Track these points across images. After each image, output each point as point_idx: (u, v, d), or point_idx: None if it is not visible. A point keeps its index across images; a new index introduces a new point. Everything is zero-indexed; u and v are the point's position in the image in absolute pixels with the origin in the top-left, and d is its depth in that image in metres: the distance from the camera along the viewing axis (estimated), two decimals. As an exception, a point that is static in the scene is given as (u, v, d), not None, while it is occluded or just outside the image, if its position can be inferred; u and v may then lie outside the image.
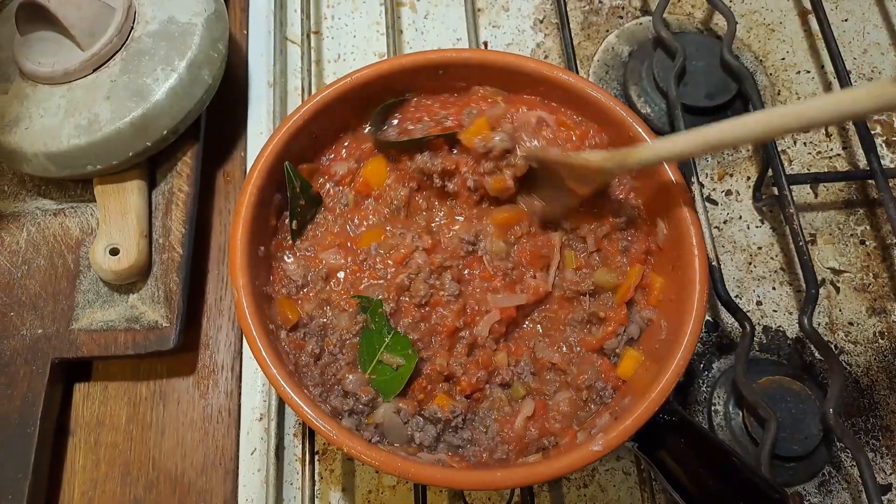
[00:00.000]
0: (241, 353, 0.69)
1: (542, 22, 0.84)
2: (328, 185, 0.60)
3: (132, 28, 0.68)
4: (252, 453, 0.65)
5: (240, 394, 0.67)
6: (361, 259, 0.57)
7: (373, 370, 0.53)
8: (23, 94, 0.67)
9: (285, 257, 0.57)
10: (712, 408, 0.66)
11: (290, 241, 0.58)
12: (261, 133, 0.78)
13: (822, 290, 0.71)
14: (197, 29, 0.68)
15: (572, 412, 0.52)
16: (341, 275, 0.56)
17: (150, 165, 0.71)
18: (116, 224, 0.66)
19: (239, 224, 0.51)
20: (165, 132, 0.67)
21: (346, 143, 0.60)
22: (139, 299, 0.66)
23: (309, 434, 0.61)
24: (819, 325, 0.70)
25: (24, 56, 0.67)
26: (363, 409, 0.51)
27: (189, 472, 0.64)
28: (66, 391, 0.67)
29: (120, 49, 0.67)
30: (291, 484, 0.64)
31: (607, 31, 0.83)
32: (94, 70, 0.66)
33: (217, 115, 0.76)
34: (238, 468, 0.64)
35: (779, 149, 0.71)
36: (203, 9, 0.69)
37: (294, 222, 0.57)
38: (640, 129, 0.55)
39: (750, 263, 0.73)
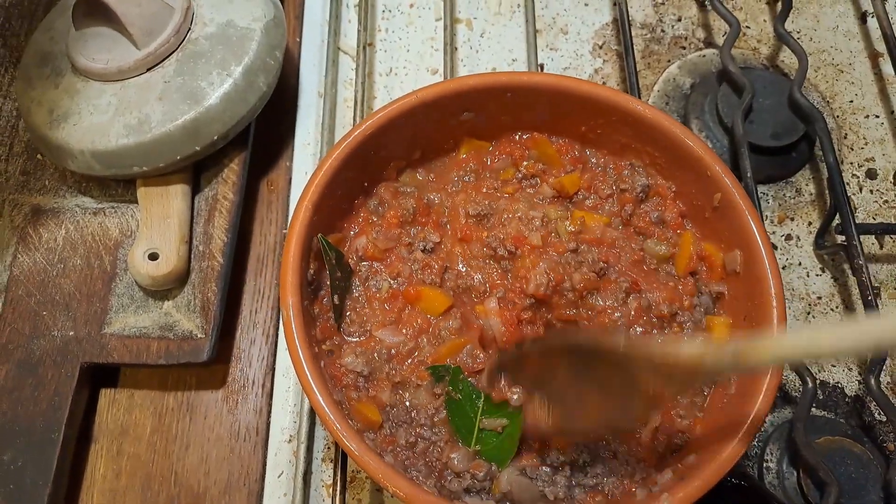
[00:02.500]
0: (273, 369, 0.67)
1: (601, 47, 0.82)
2: (354, 259, 0.56)
3: (189, 29, 0.66)
4: (279, 476, 0.62)
5: (269, 412, 0.65)
6: (419, 328, 0.53)
7: (476, 440, 0.48)
8: (74, 89, 0.65)
9: (341, 353, 0.52)
10: (764, 465, 0.62)
11: (335, 324, 0.53)
12: (307, 143, 0.76)
13: (885, 348, 0.67)
14: (255, 34, 0.66)
15: (691, 402, 0.49)
16: (403, 350, 0.52)
17: (195, 170, 0.69)
18: (158, 228, 0.65)
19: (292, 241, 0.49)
20: (216, 138, 0.65)
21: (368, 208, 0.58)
22: (174, 307, 0.64)
23: (342, 461, 0.58)
24: (882, 384, 0.66)
25: (79, 51, 0.65)
26: (483, 486, 0.47)
27: (212, 491, 0.62)
28: (92, 396, 0.65)
29: (176, 50, 0.65)
30: (317, 512, 0.61)
31: (669, 61, 0.81)
32: (148, 69, 0.65)
33: (265, 123, 0.75)
34: (263, 490, 0.62)
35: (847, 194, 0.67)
36: (263, 14, 0.67)
37: (335, 297, 0.53)
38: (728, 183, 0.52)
39: (808, 313, 0.69)
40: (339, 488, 0.57)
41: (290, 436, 0.63)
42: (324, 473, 0.62)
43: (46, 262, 0.66)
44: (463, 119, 0.58)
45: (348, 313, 0.54)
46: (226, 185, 0.68)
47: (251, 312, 0.69)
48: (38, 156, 0.72)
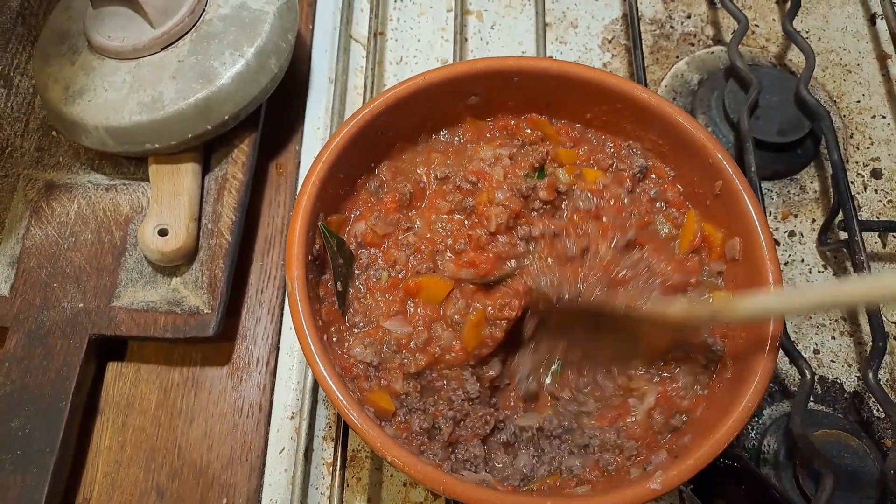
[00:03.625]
0: (277, 347, 0.68)
1: (610, 42, 0.83)
2: (354, 245, 0.56)
3: (204, 10, 0.67)
4: (280, 452, 0.63)
5: (272, 390, 0.66)
6: (428, 317, 0.53)
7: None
8: (90, 66, 0.67)
9: (347, 344, 0.52)
10: (761, 456, 0.62)
11: (339, 310, 0.53)
12: (317, 128, 0.77)
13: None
14: (268, 17, 0.67)
15: (694, 379, 0.50)
16: (418, 341, 0.51)
17: (205, 150, 0.70)
18: (168, 205, 0.66)
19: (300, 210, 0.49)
20: (227, 117, 0.66)
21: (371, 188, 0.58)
22: (182, 283, 0.65)
23: (343, 439, 0.59)
24: (880, 380, 0.67)
25: (95, 29, 0.67)
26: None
27: (214, 465, 0.63)
28: (99, 369, 0.66)
29: (190, 30, 0.66)
30: (317, 489, 0.62)
31: (677, 56, 0.82)
32: (163, 49, 0.66)
33: (275, 107, 0.75)
34: (265, 466, 0.63)
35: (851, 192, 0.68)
36: (276, -3, 0.68)
37: (338, 283, 0.53)
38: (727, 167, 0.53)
39: (810, 309, 0.70)
40: (338, 464, 0.57)
41: (293, 413, 0.64)
42: (324, 451, 0.63)
43: (58, 236, 0.67)
44: (469, 103, 0.59)
45: (352, 303, 0.54)
46: (235, 166, 0.69)
47: (257, 292, 0.70)
48: (53, 133, 0.73)
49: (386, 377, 0.51)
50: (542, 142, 0.60)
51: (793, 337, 0.68)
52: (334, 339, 0.52)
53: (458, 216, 0.55)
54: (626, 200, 0.56)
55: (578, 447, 0.49)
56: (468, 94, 0.58)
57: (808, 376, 0.59)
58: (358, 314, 0.53)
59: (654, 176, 0.58)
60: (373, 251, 0.55)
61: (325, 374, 0.45)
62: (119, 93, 0.65)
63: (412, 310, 0.52)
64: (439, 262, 0.54)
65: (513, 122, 0.60)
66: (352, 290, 0.54)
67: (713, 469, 0.45)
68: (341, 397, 0.44)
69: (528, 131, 0.60)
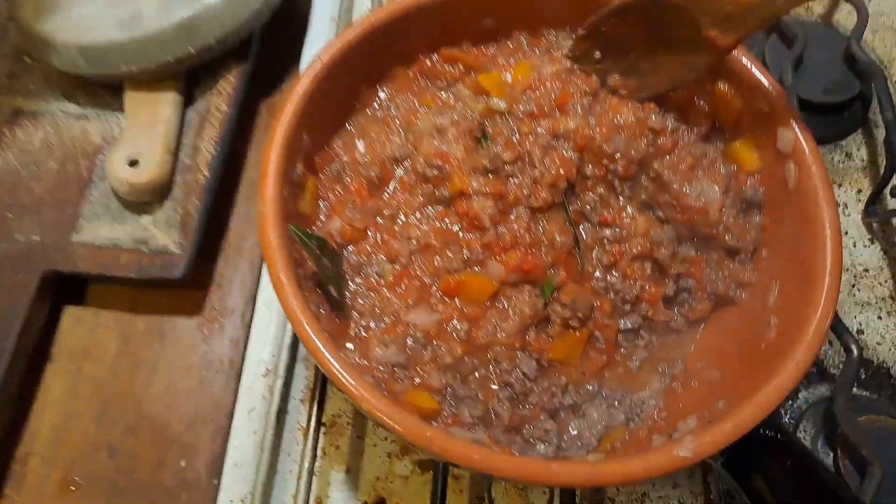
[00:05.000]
0: (255, 300, 0.60)
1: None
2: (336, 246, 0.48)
3: (194, -78, 0.61)
4: (250, 412, 0.56)
5: (246, 344, 0.59)
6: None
7: None
8: (64, -22, 0.60)
9: (363, 349, 0.45)
10: (795, 445, 0.55)
11: (339, 319, 0.45)
12: (315, 69, 0.70)
13: (938, 328, 0.60)
14: (264, -68, 0.61)
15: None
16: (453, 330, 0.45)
17: (189, 80, 0.64)
18: (142, 134, 0.59)
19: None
20: (213, 41, 0.60)
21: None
22: (152, 222, 0.59)
23: (319, 401, 0.52)
24: (933, 367, 0.59)
25: (73, -62, 0.60)
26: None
27: (175, 424, 0.56)
28: (54, 313, 0.59)
29: (177, -59, 0.60)
30: (289, 455, 0.54)
31: (711, 12, 0.74)
32: (146, -40, 0.60)
33: (272, 45, 0.69)
34: (231, 427, 0.55)
35: (905, 159, 0.60)
36: (274, -90, 0.62)
37: (332, 289, 0.45)
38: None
39: (853, 286, 0.62)
40: (311, 428, 0.50)
41: (267, 369, 0.57)
42: (301, 415, 0.56)
43: (19, 164, 0.60)
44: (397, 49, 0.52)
45: (354, 307, 0.46)
46: (220, 97, 0.62)
47: (238, 239, 0.63)
48: (25, 58, 0.67)
49: (418, 374, 0.44)
50: (465, 76, 0.53)
51: (833, 315, 0.61)
52: (348, 347, 0.44)
53: (438, 207, 0.48)
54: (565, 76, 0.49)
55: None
56: (404, 37, 0.51)
57: (856, 353, 0.52)
58: (366, 317, 0.45)
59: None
60: (362, 244, 0.48)
61: (294, 307, 0.38)
62: (94, 7, 0.59)
63: (434, 301, 0.45)
64: (474, 260, 0.47)
65: (429, 64, 0.53)
66: (348, 295, 0.46)
67: (751, 439, 0.38)
68: (311, 332, 0.37)
69: (449, 68, 0.53)
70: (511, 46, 0.53)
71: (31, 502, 0.53)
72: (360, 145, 0.50)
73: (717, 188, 0.46)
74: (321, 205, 0.48)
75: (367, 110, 0.52)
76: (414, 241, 0.47)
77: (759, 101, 0.48)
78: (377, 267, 0.47)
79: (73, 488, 0.53)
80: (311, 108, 0.45)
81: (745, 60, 0.47)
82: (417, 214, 0.48)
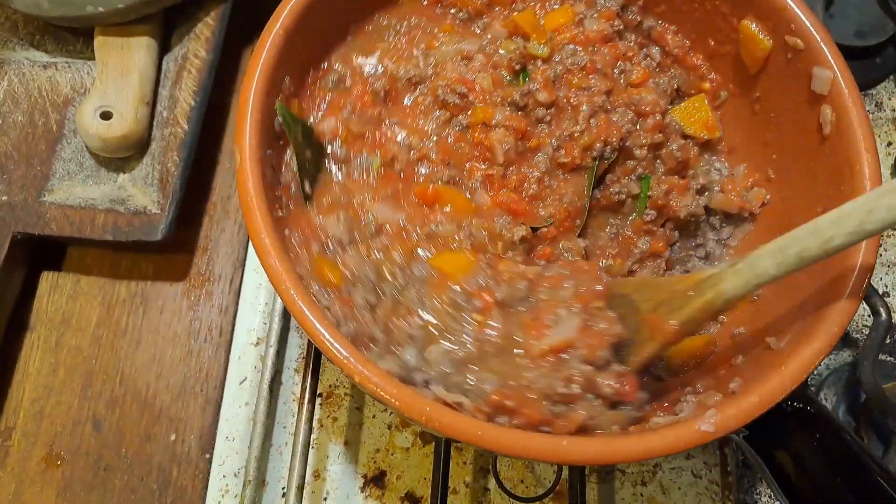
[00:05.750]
0: (243, 264, 0.57)
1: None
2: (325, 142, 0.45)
3: None
4: (241, 383, 0.53)
5: (236, 311, 0.55)
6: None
7: None
8: None
9: (319, 216, 0.42)
10: (815, 411, 0.52)
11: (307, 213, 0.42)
12: (302, 10, 0.65)
13: (969, 289, 0.57)
14: None
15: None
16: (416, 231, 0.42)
17: (165, 25, 0.58)
18: (115, 84, 0.54)
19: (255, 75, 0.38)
20: (187, -22, 0.54)
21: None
22: (130, 180, 0.54)
23: (314, 371, 0.49)
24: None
25: None
26: None
27: (163, 395, 0.53)
28: (32, 279, 0.55)
29: None
30: (284, 427, 0.52)
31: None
32: None
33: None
34: (222, 398, 0.53)
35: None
36: None
37: (305, 183, 0.42)
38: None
39: (880, 245, 0.58)
40: (306, 398, 0.47)
41: (259, 338, 0.54)
42: (295, 386, 0.53)
43: (-18, 118, 0.56)
44: None
45: (324, 191, 0.43)
46: (198, 42, 0.57)
47: (223, 199, 0.59)
48: (-13, 2, 0.61)
49: (344, 255, 0.41)
50: (487, 8, 0.49)
51: (858, 275, 0.57)
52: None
53: (454, 129, 0.45)
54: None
55: None
56: None
57: (884, 316, 0.49)
58: (330, 194, 0.42)
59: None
60: (353, 144, 0.44)
61: (276, 266, 0.34)
62: (54, -60, 0.53)
63: (406, 204, 0.42)
64: (469, 187, 0.44)
65: None
66: (321, 183, 0.43)
67: (778, 413, 0.35)
68: (294, 295, 0.34)
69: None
70: None
71: (16, 479, 0.50)
72: (365, 61, 0.47)
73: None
74: (316, 106, 0.45)
75: (368, 27, 0.48)
76: (415, 152, 0.44)
77: (793, 39, 0.44)
78: (368, 159, 0.44)
79: (59, 463, 0.51)
80: (302, 27, 0.42)
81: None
82: (426, 129, 0.45)
